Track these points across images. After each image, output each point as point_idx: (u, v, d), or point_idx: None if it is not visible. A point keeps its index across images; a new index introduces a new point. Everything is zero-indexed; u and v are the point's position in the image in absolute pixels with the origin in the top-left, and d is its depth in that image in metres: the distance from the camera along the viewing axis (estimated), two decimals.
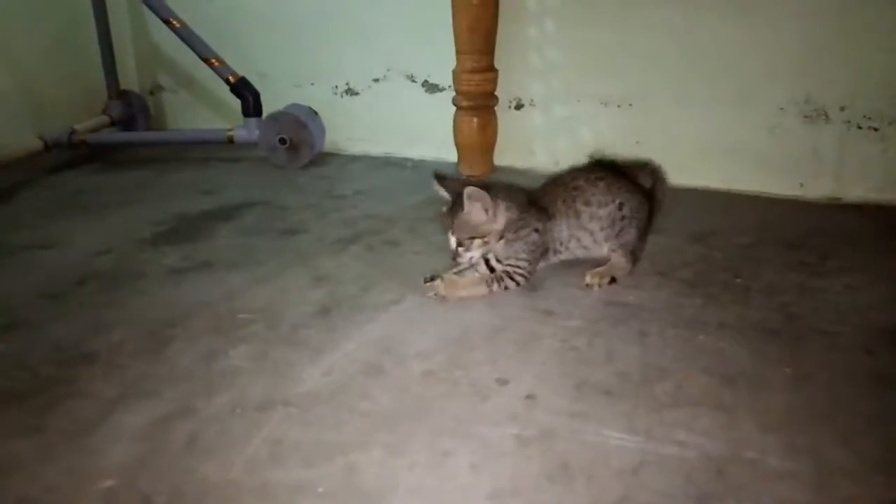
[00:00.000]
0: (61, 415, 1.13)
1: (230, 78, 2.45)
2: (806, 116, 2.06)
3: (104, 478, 0.98)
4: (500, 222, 1.49)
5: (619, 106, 2.27)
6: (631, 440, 1.04)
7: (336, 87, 2.68)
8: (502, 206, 1.49)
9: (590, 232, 1.56)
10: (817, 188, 2.10)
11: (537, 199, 1.56)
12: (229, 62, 2.46)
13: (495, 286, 1.52)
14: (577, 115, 2.34)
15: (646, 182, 1.65)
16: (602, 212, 1.55)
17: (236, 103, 2.49)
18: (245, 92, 2.46)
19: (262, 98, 2.49)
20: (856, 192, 2.06)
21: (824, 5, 1.97)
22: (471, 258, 1.51)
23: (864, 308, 1.43)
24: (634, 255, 1.58)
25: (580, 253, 1.59)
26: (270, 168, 2.50)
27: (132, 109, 2.86)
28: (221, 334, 1.36)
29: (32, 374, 1.24)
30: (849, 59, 1.99)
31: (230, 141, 2.51)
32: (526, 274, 1.53)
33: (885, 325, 1.37)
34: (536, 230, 1.52)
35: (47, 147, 2.49)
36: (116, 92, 2.78)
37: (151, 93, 3.04)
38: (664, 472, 0.98)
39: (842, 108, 2.02)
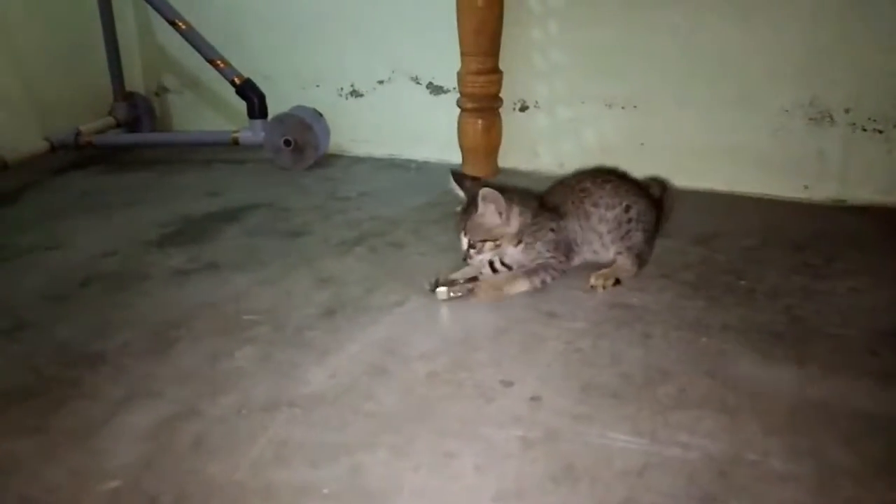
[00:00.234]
0: (66, 415, 1.13)
1: (235, 80, 2.46)
2: (811, 118, 2.06)
3: (109, 478, 0.99)
4: (514, 226, 1.50)
5: (623, 108, 2.27)
6: (635, 442, 1.04)
7: (341, 88, 2.68)
8: (516, 209, 1.50)
9: (598, 234, 1.57)
10: (822, 190, 2.10)
11: (546, 202, 1.57)
12: (235, 64, 2.47)
13: (536, 280, 1.52)
14: (582, 116, 2.34)
15: (654, 192, 1.66)
16: (609, 214, 1.55)
17: (241, 105, 2.49)
18: (250, 94, 2.46)
19: (268, 100, 2.49)
20: (861, 194, 2.06)
21: (829, 7, 1.97)
22: (482, 260, 1.52)
23: (868, 310, 1.43)
24: (640, 259, 1.58)
25: (590, 256, 1.60)
26: (275, 170, 2.51)
27: (137, 111, 2.87)
28: (226, 335, 1.37)
29: (37, 375, 1.25)
30: (854, 62, 1.99)
31: (235, 142, 2.52)
32: (558, 266, 1.53)
33: (889, 327, 1.36)
34: (552, 230, 1.53)
35: (53, 148, 2.50)
36: (122, 93, 2.79)
37: (157, 94, 3.05)
38: (668, 473, 0.98)
39: (847, 111, 2.02)
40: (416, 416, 1.12)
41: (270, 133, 2.48)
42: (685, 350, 1.29)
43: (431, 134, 2.55)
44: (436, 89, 2.53)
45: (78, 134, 2.55)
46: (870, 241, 1.80)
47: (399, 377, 1.22)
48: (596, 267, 1.58)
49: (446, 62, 2.33)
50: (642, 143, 2.23)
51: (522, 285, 1.52)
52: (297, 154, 2.50)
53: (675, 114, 2.20)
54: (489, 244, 1.49)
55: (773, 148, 2.12)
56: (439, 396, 1.17)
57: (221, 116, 2.91)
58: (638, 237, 1.57)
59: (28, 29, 2.66)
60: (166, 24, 2.46)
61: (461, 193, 1.55)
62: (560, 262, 1.54)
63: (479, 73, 2.23)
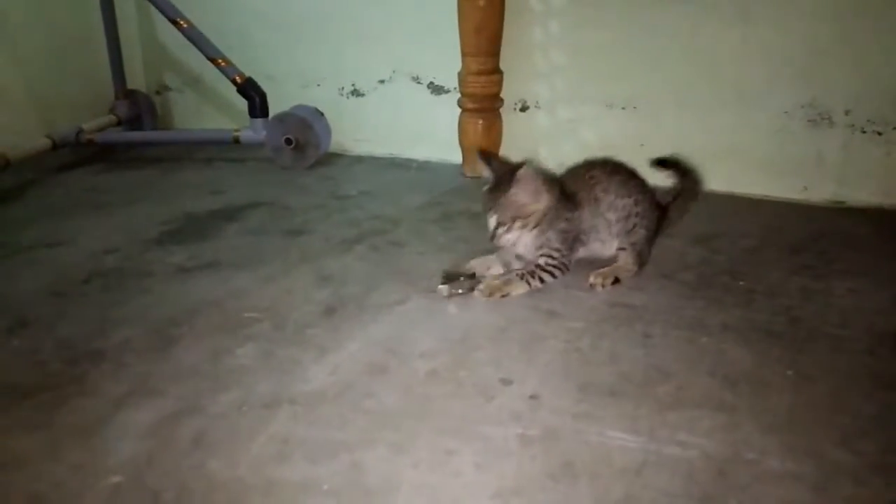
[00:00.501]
0: (68, 412, 1.14)
1: (237, 78, 2.46)
2: (810, 120, 2.07)
3: (111, 474, 0.99)
4: (544, 204, 1.50)
5: (623, 108, 2.28)
6: (634, 440, 1.05)
7: (342, 88, 2.69)
8: (546, 187, 1.50)
9: (607, 222, 1.56)
10: (821, 192, 2.11)
11: (565, 189, 1.56)
12: (236, 63, 2.47)
13: (534, 282, 1.52)
14: (582, 117, 2.35)
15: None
16: (619, 202, 1.56)
17: (243, 104, 2.50)
18: (252, 93, 2.47)
19: (269, 99, 2.50)
20: (859, 195, 2.07)
21: (829, 10, 1.97)
22: (509, 240, 1.51)
23: (867, 311, 1.44)
24: (641, 258, 1.59)
25: (596, 247, 1.60)
26: (276, 168, 2.52)
27: (139, 109, 2.88)
28: (228, 333, 1.37)
29: (40, 371, 1.25)
30: (853, 64, 1.99)
31: (236, 141, 2.52)
32: (561, 265, 1.53)
33: (887, 328, 1.37)
34: (567, 219, 1.53)
35: (55, 146, 2.50)
36: (123, 92, 2.80)
37: (158, 93, 3.06)
38: (666, 472, 0.98)
39: (846, 112, 2.03)
40: (415, 413, 1.12)
41: (271, 132, 2.49)
42: (684, 349, 1.30)
43: (432, 134, 2.56)
44: (437, 89, 2.54)
45: (80, 132, 2.56)
46: (868, 243, 1.81)
47: (399, 375, 1.23)
48: (597, 265, 1.59)
49: (447, 62, 2.34)
50: (642, 144, 2.24)
51: (522, 288, 1.52)
52: (298, 153, 2.50)
53: (675, 114, 2.21)
54: (518, 222, 1.49)
55: (773, 149, 2.12)
56: (439, 394, 1.17)
57: (223, 115, 2.92)
58: (641, 234, 1.58)
59: (29, 27, 2.66)
60: (168, 22, 2.47)
61: (489, 173, 1.55)
62: (563, 255, 1.53)
63: (479, 73, 2.24)
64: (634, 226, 1.57)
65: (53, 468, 1.01)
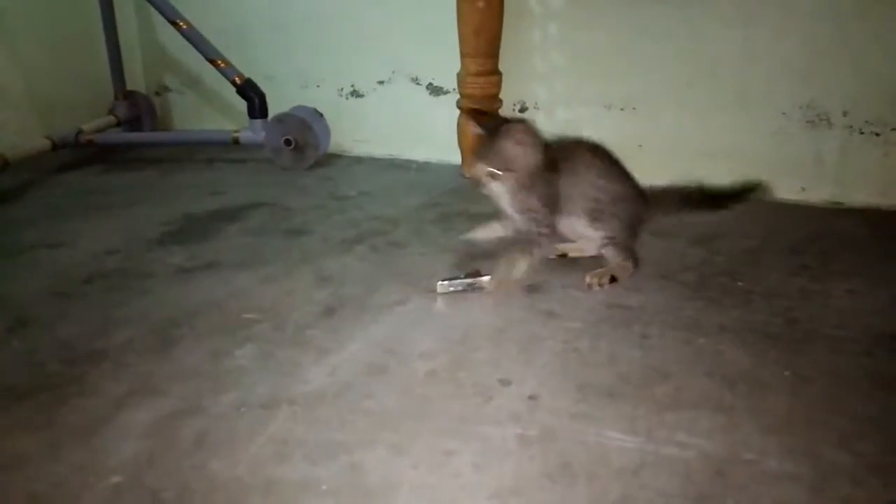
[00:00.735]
0: (69, 412, 1.14)
1: (236, 79, 2.47)
2: (808, 121, 2.07)
3: (111, 474, 0.99)
4: (532, 162, 1.52)
5: (621, 109, 2.29)
6: (632, 441, 1.05)
7: (341, 89, 2.70)
8: (536, 148, 1.52)
9: (583, 197, 1.57)
10: (819, 193, 2.11)
11: (548, 153, 1.58)
12: (235, 64, 2.48)
13: (535, 250, 1.55)
14: (580, 118, 2.35)
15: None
16: (599, 182, 1.57)
17: (242, 105, 2.51)
18: (251, 93, 2.48)
19: (268, 100, 2.51)
20: (858, 196, 2.07)
21: (828, 11, 1.98)
22: (495, 190, 1.53)
23: (865, 313, 1.44)
24: (630, 252, 1.60)
25: (569, 224, 1.60)
26: (275, 169, 2.52)
27: (138, 110, 2.89)
28: (227, 334, 1.37)
29: (40, 371, 1.26)
30: (852, 65, 2.00)
31: (236, 142, 2.53)
32: (548, 226, 1.55)
33: (886, 329, 1.37)
34: (548, 181, 1.54)
35: (54, 147, 2.51)
36: (123, 92, 2.80)
37: (157, 93, 3.06)
38: (664, 472, 0.99)
39: (844, 113, 2.04)
40: (415, 414, 1.13)
41: (271, 133, 2.50)
42: (682, 350, 1.30)
43: (431, 134, 2.56)
44: (436, 90, 2.54)
45: (79, 132, 2.56)
46: (866, 244, 1.81)
47: (398, 376, 1.23)
48: (589, 265, 1.59)
49: (446, 63, 2.34)
50: (640, 145, 2.24)
51: (525, 261, 1.54)
52: (297, 154, 2.51)
53: (674, 116, 2.22)
54: (509, 174, 1.51)
55: (771, 150, 2.13)
56: (438, 395, 1.17)
57: (222, 116, 2.92)
58: (616, 225, 1.58)
59: (29, 27, 2.67)
60: (167, 23, 2.47)
61: (481, 130, 1.56)
62: (547, 216, 1.55)
63: (478, 74, 2.24)
64: (613, 214, 1.57)
65: (53, 468, 1.01)
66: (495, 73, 2.27)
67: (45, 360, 1.29)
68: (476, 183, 1.55)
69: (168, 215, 2.04)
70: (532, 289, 1.55)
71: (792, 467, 1.00)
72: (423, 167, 2.55)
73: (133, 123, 2.87)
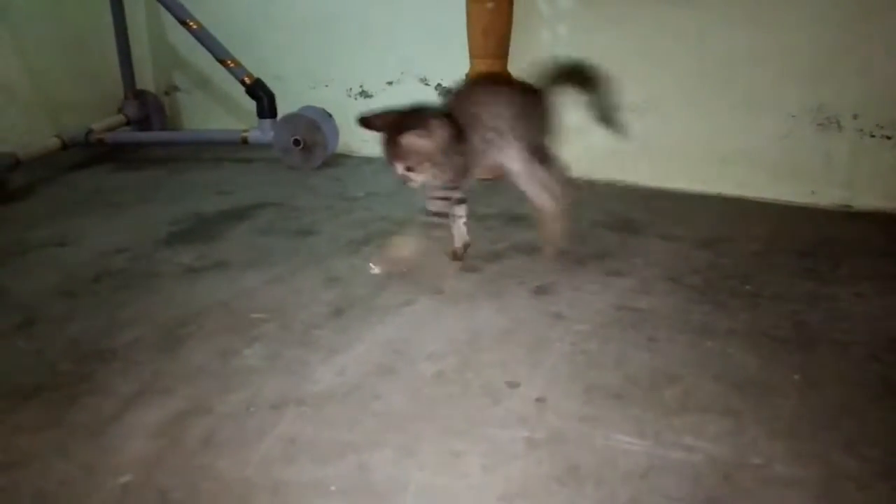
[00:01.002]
0: (78, 410, 1.15)
1: (245, 79, 2.47)
2: (818, 124, 2.07)
3: (121, 473, 1.00)
4: (438, 144, 1.51)
5: (631, 111, 2.28)
6: (639, 444, 1.05)
7: (350, 89, 2.70)
8: (435, 130, 1.50)
9: (497, 133, 1.58)
10: (829, 196, 2.10)
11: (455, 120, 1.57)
12: (245, 64, 2.49)
13: (429, 231, 1.59)
14: (588, 119, 2.34)
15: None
16: (496, 110, 1.58)
17: (251, 104, 2.51)
18: (260, 93, 2.48)
19: (277, 100, 2.51)
20: (867, 200, 2.06)
21: (838, 13, 1.97)
22: (418, 182, 1.53)
23: (873, 316, 1.44)
24: (551, 184, 1.64)
25: (495, 160, 1.61)
26: (284, 169, 2.53)
27: (147, 109, 2.90)
28: (236, 333, 1.38)
29: (50, 370, 1.26)
30: (862, 68, 1.99)
31: (245, 142, 2.53)
32: (449, 189, 1.57)
33: (894, 334, 1.37)
34: (460, 152, 1.54)
35: (65, 146, 2.52)
36: (132, 92, 2.81)
37: (167, 93, 3.07)
38: (672, 476, 0.99)
39: (854, 117, 2.03)
40: (422, 415, 1.13)
41: (280, 133, 2.50)
42: (690, 354, 1.30)
43: None
44: (445, 91, 2.54)
45: (89, 132, 2.58)
46: (876, 248, 1.80)
47: (406, 377, 1.23)
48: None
49: (455, 64, 2.34)
50: (649, 147, 2.24)
51: (411, 246, 1.61)
52: (306, 154, 2.51)
53: (683, 118, 2.21)
54: (426, 164, 1.51)
55: (781, 153, 2.12)
56: (446, 396, 1.18)
57: (231, 116, 2.93)
58: (515, 146, 1.59)
59: (39, 27, 2.68)
60: (177, 23, 2.48)
61: (377, 132, 1.56)
62: (463, 183, 1.59)
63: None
64: (519, 138, 1.59)
65: (62, 467, 1.02)
66: (504, 73, 2.27)
67: (53, 359, 1.30)
68: (402, 180, 1.55)
69: (177, 214, 2.05)
70: (540, 290, 1.55)
71: (799, 471, 1.00)
72: None
73: (142, 123, 2.88)
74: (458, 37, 2.25)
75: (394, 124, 1.50)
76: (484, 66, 2.23)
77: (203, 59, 2.65)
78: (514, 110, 1.58)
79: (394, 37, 2.57)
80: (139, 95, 2.85)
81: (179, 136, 2.93)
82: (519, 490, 0.97)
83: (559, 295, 1.53)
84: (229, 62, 2.48)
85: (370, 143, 2.70)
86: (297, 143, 2.49)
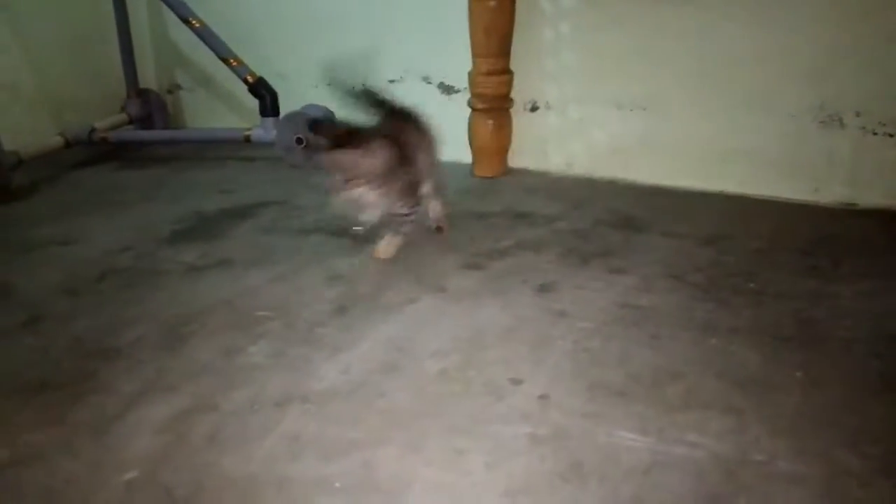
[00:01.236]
0: (83, 408, 1.15)
1: (248, 78, 2.47)
2: (821, 122, 2.07)
3: (126, 470, 1.01)
4: (380, 161, 1.57)
5: (632, 109, 2.28)
6: (642, 441, 1.06)
7: (353, 88, 2.69)
8: (376, 149, 1.56)
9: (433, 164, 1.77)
10: (832, 193, 2.10)
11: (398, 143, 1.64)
12: (247, 62, 2.49)
13: (400, 234, 1.71)
14: (591, 117, 2.35)
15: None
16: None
17: (254, 103, 2.51)
18: (263, 92, 2.48)
19: (280, 98, 2.51)
20: (870, 197, 2.06)
21: (840, 12, 1.97)
22: (360, 195, 1.57)
23: (876, 314, 1.44)
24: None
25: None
26: (287, 168, 2.53)
27: (150, 108, 2.90)
28: (239, 331, 1.38)
29: (55, 368, 1.27)
30: (865, 66, 1.99)
31: (247, 140, 2.53)
32: (409, 211, 1.67)
33: None
34: (407, 172, 1.63)
35: (68, 144, 2.52)
36: (135, 90, 2.81)
37: (170, 91, 3.08)
38: (675, 472, 0.99)
39: (857, 114, 2.03)
40: (426, 412, 1.13)
41: (282, 131, 2.50)
42: (693, 351, 1.30)
43: (442, 134, 2.56)
44: (447, 89, 2.54)
45: (92, 130, 2.58)
46: (878, 245, 1.80)
47: (410, 374, 1.24)
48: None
49: (458, 62, 2.34)
50: (651, 145, 2.24)
51: (396, 241, 1.72)
52: (308, 152, 2.51)
53: (685, 116, 2.21)
54: (362, 179, 1.55)
55: (783, 150, 2.12)
56: (449, 394, 1.18)
57: (234, 114, 2.93)
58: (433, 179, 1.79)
59: (42, 25, 2.69)
60: (180, 21, 2.49)
61: (324, 142, 1.60)
62: (410, 206, 1.67)
63: (490, 73, 2.24)
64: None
65: (67, 464, 1.02)
66: (506, 72, 2.28)
67: (58, 357, 1.30)
68: (348, 198, 1.59)
69: (180, 213, 2.05)
70: (543, 288, 1.55)
71: (802, 469, 1.00)
72: None
73: (145, 121, 2.88)
74: (461, 36, 2.25)
75: (343, 138, 1.56)
76: (486, 64, 2.23)
77: (206, 58, 2.66)
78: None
79: (396, 36, 2.57)
80: (142, 94, 2.85)
81: (182, 134, 2.94)
82: (522, 486, 0.97)
83: (562, 293, 1.54)
84: (232, 60, 2.48)
85: None
86: (299, 141, 2.49)
